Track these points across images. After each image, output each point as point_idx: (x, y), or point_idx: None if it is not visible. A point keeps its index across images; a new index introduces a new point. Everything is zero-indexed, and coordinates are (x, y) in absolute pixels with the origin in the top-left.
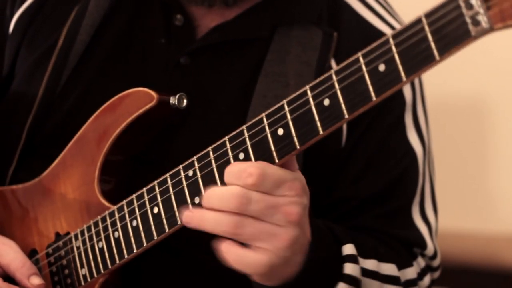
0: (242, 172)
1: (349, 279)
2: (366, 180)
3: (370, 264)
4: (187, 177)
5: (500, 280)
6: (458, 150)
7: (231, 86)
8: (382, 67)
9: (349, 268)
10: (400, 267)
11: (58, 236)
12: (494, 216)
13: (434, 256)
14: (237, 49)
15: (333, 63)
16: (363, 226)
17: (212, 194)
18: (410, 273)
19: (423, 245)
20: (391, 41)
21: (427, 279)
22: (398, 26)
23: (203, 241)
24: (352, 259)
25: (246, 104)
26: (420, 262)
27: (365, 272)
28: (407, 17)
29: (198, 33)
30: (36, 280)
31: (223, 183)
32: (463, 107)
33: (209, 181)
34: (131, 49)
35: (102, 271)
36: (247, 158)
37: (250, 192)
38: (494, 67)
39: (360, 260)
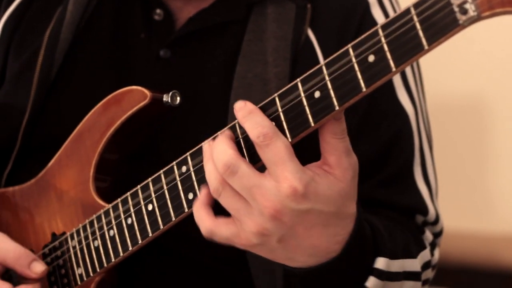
0: (258, 125)
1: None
2: (359, 147)
3: (396, 265)
4: (180, 173)
5: (500, 280)
6: (457, 150)
7: (213, 73)
8: (371, 58)
9: (371, 282)
10: (418, 252)
11: (54, 236)
12: (494, 216)
13: (436, 221)
14: (216, 35)
15: (310, 34)
16: (366, 197)
17: (216, 143)
18: (426, 255)
19: (425, 211)
20: (380, 32)
21: (436, 253)
22: None
23: (198, 240)
24: (378, 273)
25: (228, 88)
26: (429, 237)
27: (389, 276)
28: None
29: (177, 25)
30: (38, 267)
31: None
32: (463, 107)
33: (203, 176)
34: (115, 47)
35: (98, 270)
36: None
37: (238, 164)
38: (494, 67)
39: (389, 263)
